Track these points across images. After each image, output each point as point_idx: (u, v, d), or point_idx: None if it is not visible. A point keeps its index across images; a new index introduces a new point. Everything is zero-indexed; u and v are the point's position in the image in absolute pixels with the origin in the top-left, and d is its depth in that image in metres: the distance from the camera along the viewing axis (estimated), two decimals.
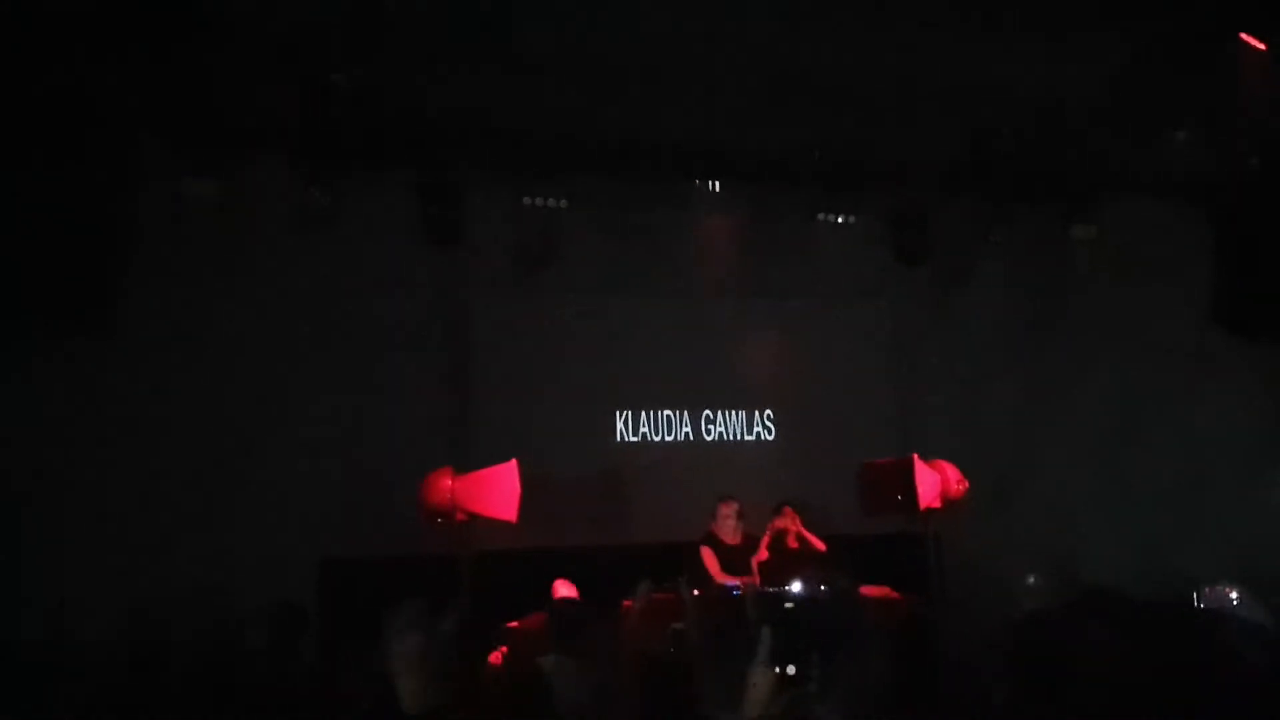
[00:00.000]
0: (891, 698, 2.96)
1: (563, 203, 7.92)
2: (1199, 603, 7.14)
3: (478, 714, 3.35)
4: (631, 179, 8.16)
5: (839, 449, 8.26)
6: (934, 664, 4.01)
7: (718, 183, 8.34)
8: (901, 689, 3.00)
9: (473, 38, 6.25)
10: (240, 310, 7.54)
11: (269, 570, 7.07)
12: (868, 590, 6.77)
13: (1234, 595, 7.27)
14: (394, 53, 6.45)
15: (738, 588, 6.63)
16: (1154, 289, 9.34)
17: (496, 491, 6.72)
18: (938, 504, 7.32)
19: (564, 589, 6.20)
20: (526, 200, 7.89)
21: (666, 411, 8.51)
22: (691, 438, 8.55)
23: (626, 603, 5.91)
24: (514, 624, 6.19)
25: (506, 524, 6.73)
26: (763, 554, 7.12)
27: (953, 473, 7.40)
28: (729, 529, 7.12)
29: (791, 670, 2.42)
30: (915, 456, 7.23)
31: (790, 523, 7.25)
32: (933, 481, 7.26)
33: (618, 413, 8.40)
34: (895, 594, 7.00)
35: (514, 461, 6.80)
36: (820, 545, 7.22)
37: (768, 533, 7.20)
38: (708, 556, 7.01)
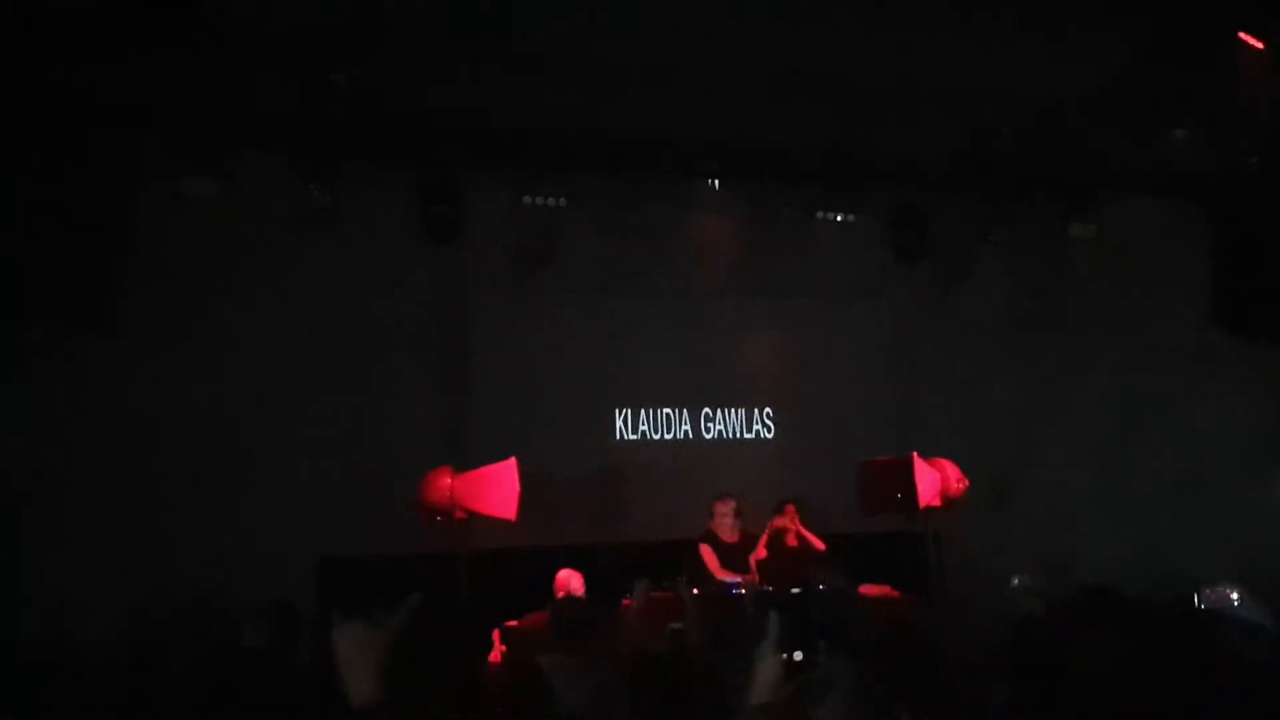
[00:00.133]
0: (890, 697, 2.96)
1: (562, 201, 7.92)
2: (1200, 603, 7.15)
3: (478, 714, 3.36)
4: (631, 178, 8.16)
5: (838, 448, 8.25)
6: (933, 663, 4.01)
7: (717, 182, 8.34)
8: (901, 688, 3.00)
9: (473, 37, 6.25)
10: (240, 309, 7.54)
11: (269, 569, 7.06)
12: (867, 589, 6.78)
13: (1234, 596, 7.27)
14: (394, 52, 6.46)
15: (738, 587, 6.63)
16: (1154, 289, 9.35)
17: (496, 490, 6.71)
18: (938, 502, 7.31)
19: (570, 579, 6.22)
20: (526, 199, 7.89)
21: (666, 410, 8.51)
22: (691, 436, 8.55)
23: (625, 601, 5.92)
24: (514, 623, 6.19)
25: (506, 522, 6.72)
26: (761, 552, 7.11)
27: (952, 471, 7.39)
28: (726, 527, 7.13)
29: (798, 657, 2.43)
30: (915, 455, 7.23)
31: (790, 522, 7.24)
32: (932, 480, 7.26)
33: (617, 411, 8.40)
34: (895, 593, 7.00)
35: (513, 460, 6.79)
36: (819, 545, 7.21)
37: (767, 531, 7.20)
38: (707, 554, 7.02)
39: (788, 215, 8.53)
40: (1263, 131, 7.60)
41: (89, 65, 6.34)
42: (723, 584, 6.72)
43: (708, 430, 8.60)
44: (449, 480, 6.70)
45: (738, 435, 8.68)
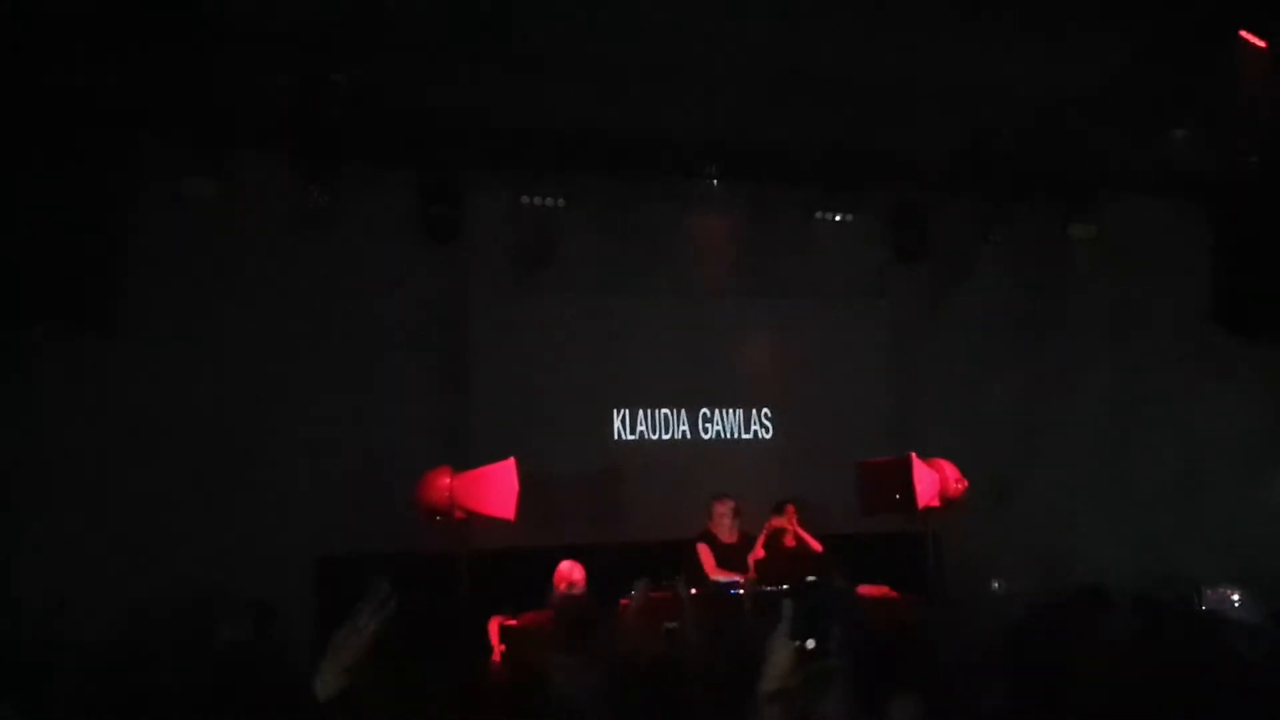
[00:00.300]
0: (886, 695, 2.96)
1: (561, 202, 7.92)
2: (1200, 604, 7.15)
3: (477, 714, 3.35)
4: (631, 178, 8.16)
5: (837, 448, 8.25)
6: (932, 663, 4.01)
7: (717, 181, 8.33)
8: (898, 687, 3.01)
9: (473, 37, 6.25)
10: (240, 309, 7.54)
11: (269, 569, 7.07)
12: (866, 589, 6.78)
13: (1235, 597, 7.28)
14: (394, 52, 6.45)
15: (737, 587, 6.63)
16: (1154, 289, 9.35)
17: (495, 490, 6.71)
18: (936, 503, 7.32)
19: (571, 570, 6.23)
20: (525, 199, 7.89)
21: (664, 410, 8.51)
22: (689, 436, 8.55)
23: (624, 601, 5.92)
24: (513, 622, 6.19)
25: (504, 522, 6.72)
26: (759, 552, 7.11)
27: (951, 471, 7.39)
28: (725, 527, 7.12)
29: (811, 644, 2.44)
30: (913, 455, 7.23)
31: (789, 522, 7.24)
32: (931, 480, 7.26)
33: (616, 411, 8.40)
34: (894, 593, 7.00)
35: (512, 460, 6.80)
36: (817, 546, 7.21)
37: (765, 531, 7.19)
38: (703, 553, 7.02)
39: (787, 215, 8.53)
40: (1263, 131, 7.59)
41: (89, 65, 6.34)
42: (718, 584, 6.72)
43: (706, 430, 8.60)
44: (448, 480, 6.70)
45: (736, 435, 8.68)
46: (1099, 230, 8.75)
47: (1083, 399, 9.17)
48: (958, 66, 6.76)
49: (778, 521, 7.25)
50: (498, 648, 6.08)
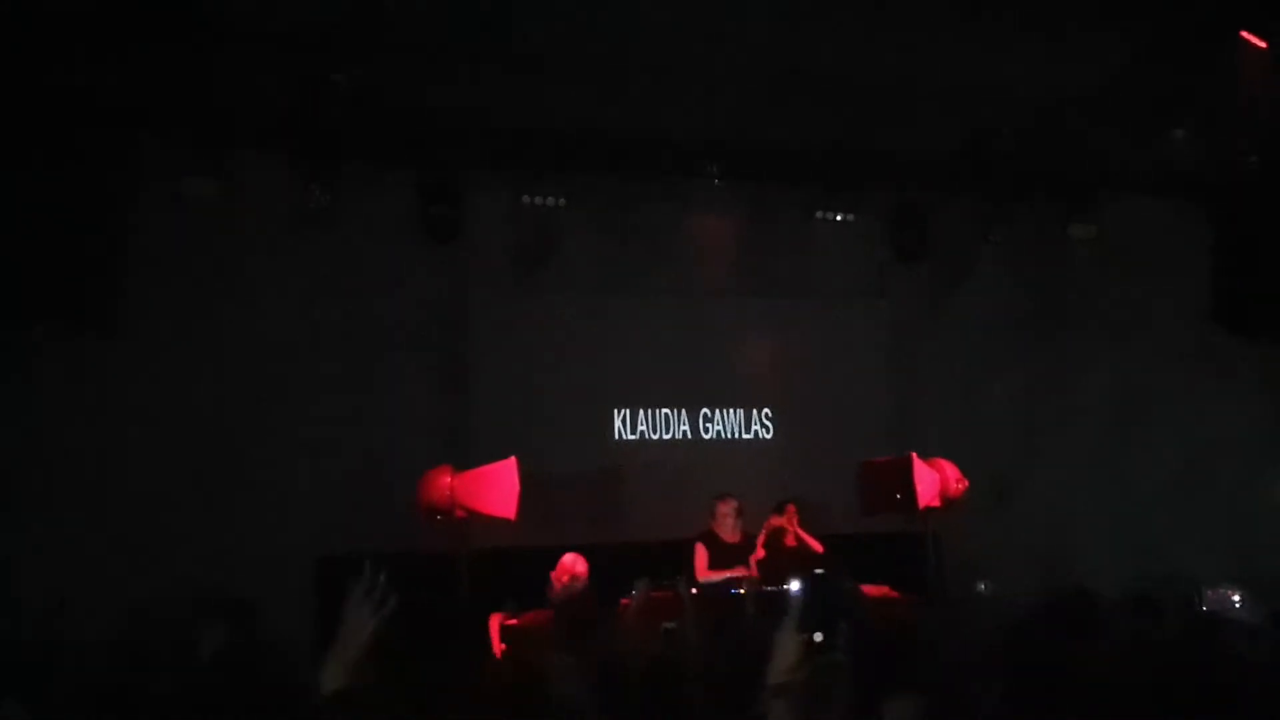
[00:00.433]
0: (890, 696, 2.96)
1: (562, 201, 7.92)
2: (1201, 604, 7.15)
3: (478, 712, 3.35)
4: (630, 178, 8.16)
5: (838, 448, 8.25)
6: (932, 663, 4.01)
7: (717, 181, 8.33)
8: (900, 688, 3.01)
9: (473, 37, 6.25)
10: (240, 309, 7.54)
11: (269, 569, 7.07)
12: (866, 589, 6.77)
13: (1235, 597, 7.28)
14: (394, 52, 6.45)
15: (737, 586, 6.62)
16: (1154, 289, 9.35)
17: (495, 489, 6.71)
18: (937, 503, 7.31)
19: (575, 563, 6.24)
20: (526, 199, 7.89)
21: (665, 410, 8.51)
22: (690, 436, 8.54)
23: (624, 601, 5.91)
24: (513, 622, 6.19)
25: (505, 522, 6.72)
26: (759, 552, 7.11)
27: (952, 471, 7.38)
28: (728, 527, 7.11)
29: (819, 637, 2.44)
30: (914, 455, 7.22)
31: (789, 521, 7.24)
32: (932, 480, 7.25)
33: (616, 411, 8.40)
34: (894, 593, 7.00)
35: (513, 459, 6.80)
36: (818, 547, 7.21)
37: (764, 530, 7.19)
38: (698, 553, 7.01)
39: (787, 215, 8.53)
40: (1263, 131, 7.60)
41: (89, 65, 6.34)
42: (708, 584, 6.70)
43: (707, 430, 8.60)
44: (449, 479, 6.70)
45: (737, 435, 8.68)
46: (1099, 230, 8.75)
47: (1083, 399, 9.17)
48: (958, 66, 6.76)
49: (777, 521, 7.24)
50: (498, 647, 6.08)
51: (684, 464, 8.32)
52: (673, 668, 3.62)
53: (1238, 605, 7.36)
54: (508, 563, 6.93)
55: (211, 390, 7.36)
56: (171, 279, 7.38)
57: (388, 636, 2.23)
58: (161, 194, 7.21)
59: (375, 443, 7.61)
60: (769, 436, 8.73)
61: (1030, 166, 8.28)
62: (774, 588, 6.42)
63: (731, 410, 8.66)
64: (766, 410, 8.73)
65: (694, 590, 6.36)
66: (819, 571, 6.34)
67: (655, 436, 8.46)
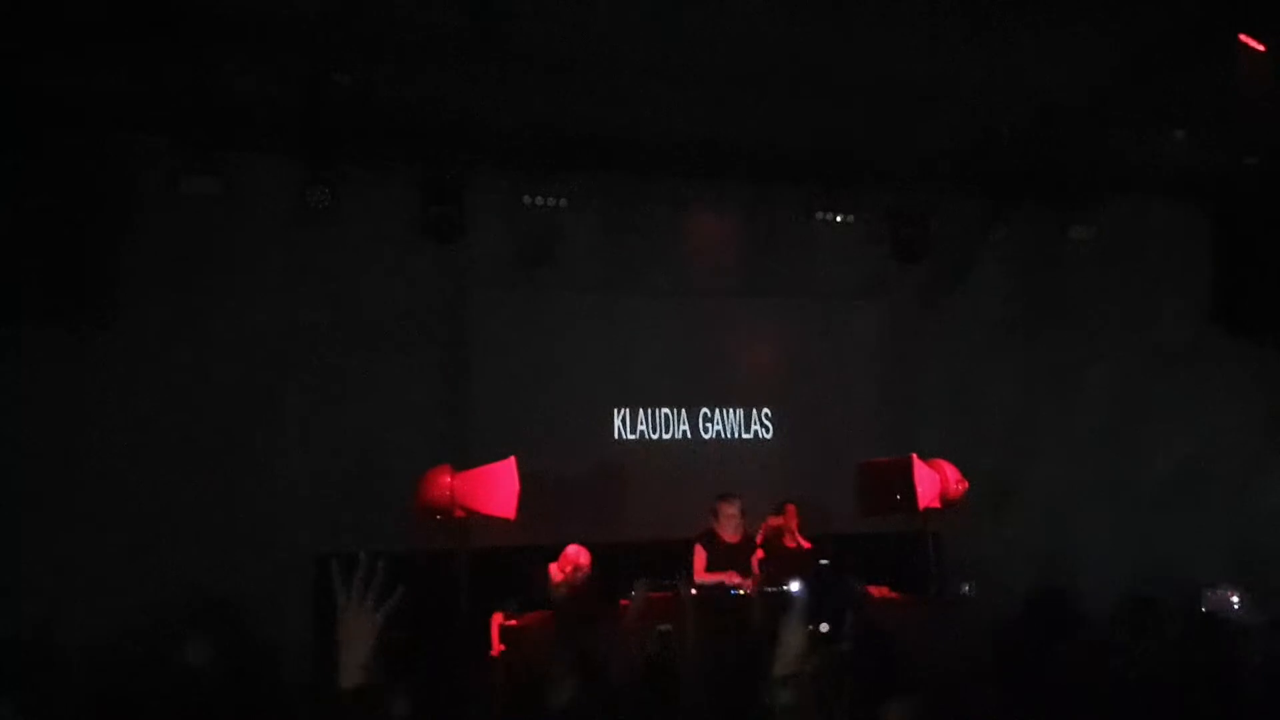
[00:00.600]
0: (889, 696, 2.97)
1: (562, 201, 7.92)
2: (1201, 605, 7.14)
3: (477, 712, 3.36)
4: (631, 178, 8.16)
5: (838, 448, 8.25)
6: (931, 663, 4.01)
7: (717, 181, 8.33)
8: (899, 688, 3.01)
9: (473, 37, 6.24)
10: (241, 308, 7.54)
11: (268, 569, 7.08)
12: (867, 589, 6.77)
13: (1235, 599, 7.27)
14: (394, 52, 6.45)
15: (738, 588, 6.62)
16: (1153, 289, 9.35)
17: (495, 489, 6.71)
18: (937, 504, 7.29)
19: (579, 554, 6.27)
20: (526, 199, 7.89)
21: (664, 410, 8.51)
22: (689, 436, 8.55)
23: (624, 602, 5.91)
24: (513, 622, 6.19)
25: (504, 521, 6.72)
26: (760, 552, 7.10)
27: (952, 472, 7.37)
28: (731, 527, 7.08)
29: (825, 628, 2.43)
30: (914, 456, 7.21)
31: (789, 521, 7.24)
32: (932, 481, 7.24)
33: (616, 411, 8.40)
34: (894, 593, 7.00)
35: (513, 459, 6.80)
36: (806, 544, 7.21)
37: (762, 530, 7.18)
38: (697, 554, 7.00)
39: (788, 215, 8.53)
40: (1263, 131, 7.60)
41: (90, 65, 6.34)
42: (704, 586, 6.69)
43: (706, 430, 8.60)
44: (449, 479, 6.70)
45: (736, 435, 8.68)
46: (1099, 231, 8.76)
47: (1083, 399, 9.16)
48: (958, 67, 6.76)
49: (775, 521, 7.24)
50: (498, 647, 6.08)
51: (684, 464, 8.33)
52: (669, 669, 3.63)
53: (1236, 607, 7.36)
54: (507, 562, 6.93)
55: (211, 390, 7.36)
56: (171, 279, 7.39)
57: (389, 636, 2.24)
58: (162, 192, 7.21)
59: (375, 442, 7.61)
60: (769, 436, 8.73)
61: (1030, 167, 8.28)
62: (774, 588, 6.42)
63: (731, 410, 8.66)
64: (766, 410, 8.73)
65: (693, 591, 6.37)
66: (824, 562, 6.35)
67: (655, 436, 8.46)
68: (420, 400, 7.85)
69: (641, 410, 8.45)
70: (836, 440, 8.43)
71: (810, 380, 8.77)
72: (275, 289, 7.65)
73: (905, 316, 9.07)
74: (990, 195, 8.68)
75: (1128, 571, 8.24)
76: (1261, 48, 5.97)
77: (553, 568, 6.40)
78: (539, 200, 7.89)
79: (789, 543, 7.20)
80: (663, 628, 5.04)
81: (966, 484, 7.36)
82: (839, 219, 8.48)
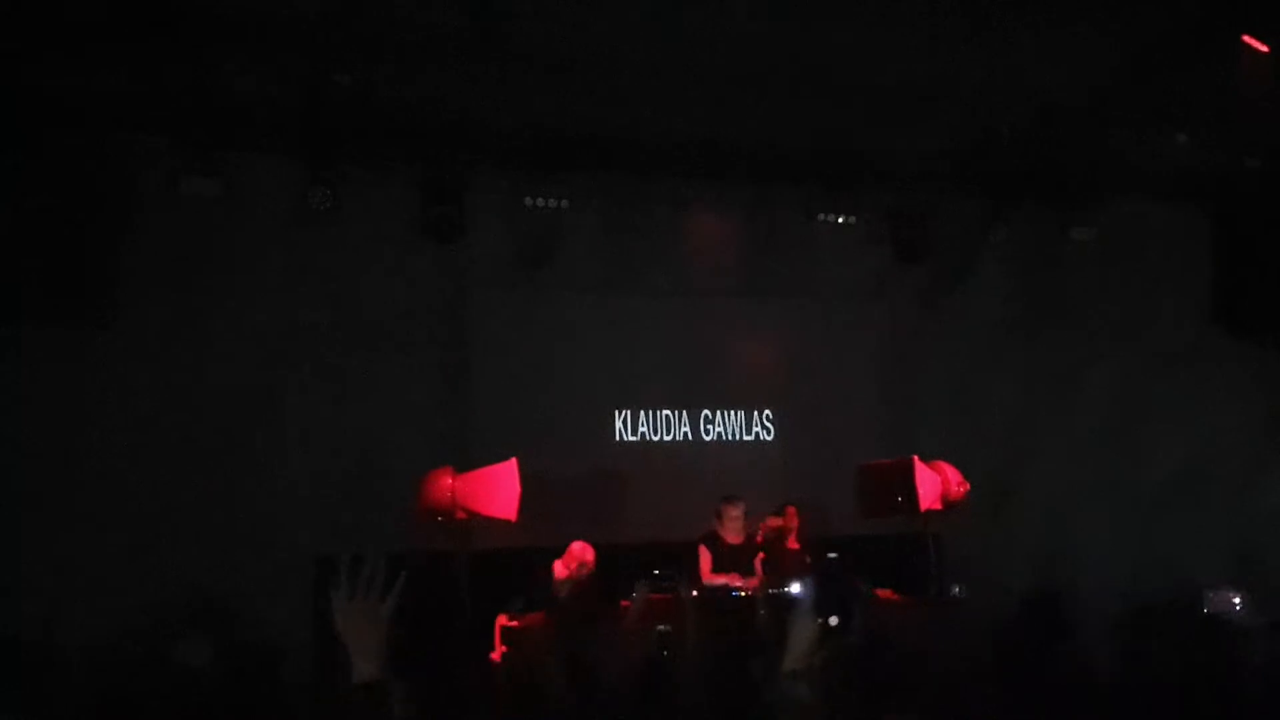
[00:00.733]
0: (891, 697, 2.96)
1: (563, 202, 7.91)
2: (1203, 607, 7.14)
3: (478, 712, 3.36)
4: (631, 178, 8.16)
5: (839, 450, 8.24)
6: (933, 664, 4.01)
7: (717, 182, 8.32)
8: (901, 688, 3.00)
9: (474, 37, 6.24)
10: (241, 308, 7.54)
11: (268, 569, 7.08)
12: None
13: (1236, 600, 7.27)
14: (394, 52, 6.45)
15: (738, 589, 6.62)
16: (1154, 290, 9.34)
17: (497, 490, 6.71)
18: (938, 506, 7.28)
19: (584, 551, 6.29)
20: (528, 200, 7.88)
21: (665, 411, 8.50)
22: (690, 438, 8.54)
23: (625, 603, 5.91)
24: (514, 623, 6.19)
25: (505, 523, 6.72)
26: (761, 554, 7.10)
27: (953, 474, 7.36)
28: (735, 529, 7.08)
29: (834, 621, 2.43)
30: (915, 458, 7.20)
31: (789, 522, 7.24)
32: (933, 483, 7.23)
33: (617, 412, 8.40)
34: (895, 595, 7.00)
35: (514, 460, 6.79)
36: (795, 546, 7.23)
37: (760, 531, 7.17)
38: (702, 555, 7.00)
39: (788, 216, 8.52)
40: (1263, 132, 7.59)
41: (90, 65, 6.33)
42: (711, 587, 6.70)
43: (707, 432, 8.60)
44: (450, 480, 6.70)
45: (737, 437, 8.67)
46: (1099, 232, 8.75)
47: (1083, 400, 9.15)
48: (958, 67, 6.75)
49: (774, 522, 7.24)
50: (500, 648, 6.09)
51: (685, 465, 8.32)
52: (667, 669, 3.62)
53: (1238, 608, 7.35)
54: (508, 563, 6.93)
55: (212, 390, 7.36)
56: (171, 279, 7.38)
57: (393, 634, 2.24)
58: (163, 192, 7.21)
59: (376, 443, 7.60)
60: (769, 438, 8.72)
61: (1030, 167, 8.27)
62: (776, 589, 6.42)
63: (732, 412, 8.65)
64: (767, 412, 8.73)
65: (694, 593, 6.37)
66: (833, 555, 6.35)
67: (656, 438, 8.46)
68: (420, 401, 7.85)
69: (643, 411, 8.44)
70: (837, 441, 8.42)
71: (810, 381, 8.76)
72: (275, 289, 7.64)
73: (906, 317, 9.06)
74: (990, 196, 8.68)
75: (1128, 572, 8.25)
76: (1265, 49, 5.97)
77: (557, 564, 6.42)
78: (540, 201, 7.88)
79: (791, 544, 7.20)
80: (662, 628, 5.04)
81: (968, 486, 7.35)
82: (840, 220, 8.47)
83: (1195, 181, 8.97)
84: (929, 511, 7.26)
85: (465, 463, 6.89)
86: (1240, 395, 9.46)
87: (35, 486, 6.79)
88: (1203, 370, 9.31)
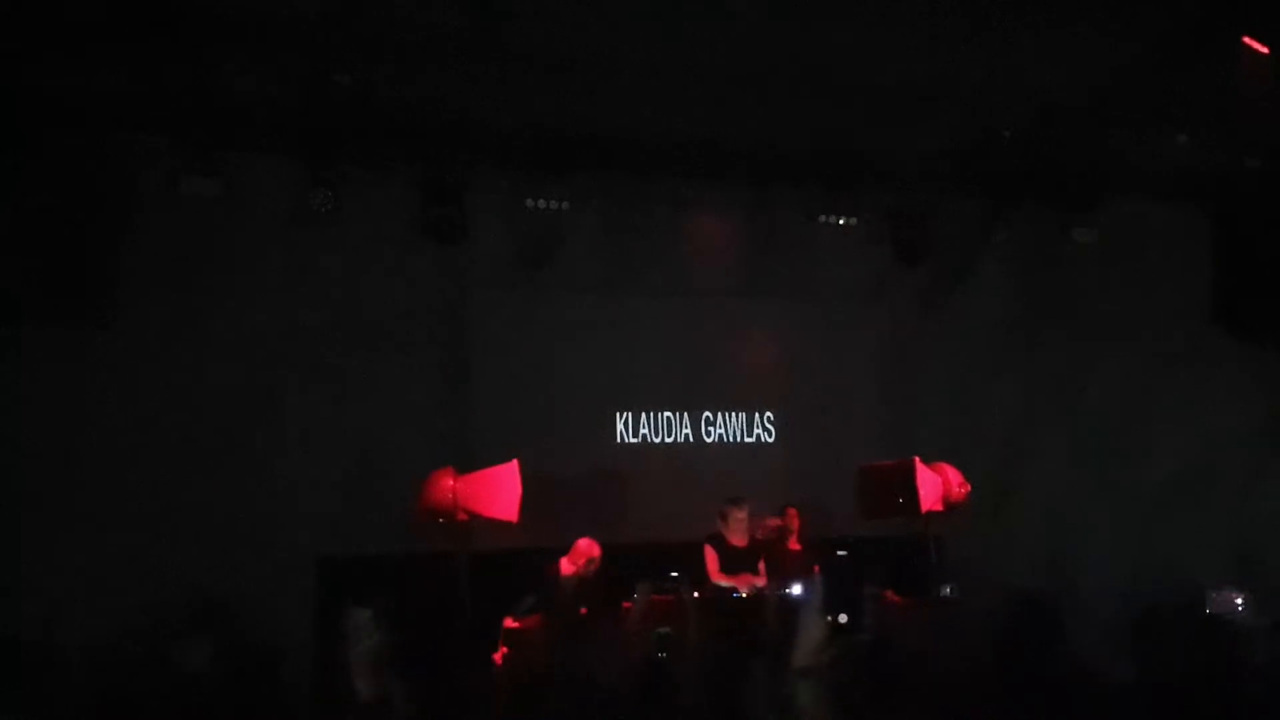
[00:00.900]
0: (894, 696, 2.96)
1: (564, 203, 7.91)
2: (1205, 607, 7.13)
3: (478, 712, 3.35)
4: (632, 179, 8.16)
5: (840, 451, 8.23)
6: (933, 664, 4.01)
7: (717, 182, 8.32)
8: (902, 689, 3.01)
9: (474, 38, 6.24)
10: (241, 308, 7.53)
11: (268, 569, 7.07)
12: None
13: (1238, 600, 7.26)
14: (394, 52, 6.45)
15: (739, 590, 6.61)
16: (1154, 291, 9.34)
17: (498, 491, 6.70)
18: (939, 507, 7.27)
19: (590, 547, 6.31)
20: (529, 201, 7.88)
21: (666, 413, 8.50)
22: (691, 439, 8.53)
23: (626, 605, 5.91)
24: (514, 624, 6.19)
25: (506, 523, 6.71)
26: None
27: (954, 475, 7.35)
28: (739, 531, 7.05)
29: (844, 619, 2.43)
30: (917, 459, 7.19)
31: (790, 523, 7.23)
32: (934, 484, 7.22)
33: (618, 414, 8.39)
34: (896, 596, 6.98)
35: (515, 462, 6.78)
36: (796, 547, 7.22)
37: (760, 531, 7.15)
38: (709, 556, 6.98)
39: (788, 217, 8.52)
40: (1263, 132, 7.59)
41: (90, 65, 6.33)
42: (718, 588, 6.69)
43: (709, 433, 8.59)
44: (451, 481, 6.69)
45: (738, 439, 8.67)
46: (1100, 233, 8.75)
47: (1084, 401, 9.15)
48: (958, 68, 6.76)
49: (774, 523, 7.23)
50: (501, 649, 6.08)
51: (686, 467, 8.31)
52: (667, 670, 3.62)
53: (1240, 608, 7.35)
54: (509, 564, 6.92)
55: (212, 390, 7.36)
56: (171, 279, 7.38)
57: (393, 640, 2.24)
58: (163, 192, 7.20)
59: (376, 443, 7.60)
60: (770, 440, 8.71)
61: (1030, 168, 8.27)
62: (778, 591, 6.41)
63: (733, 413, 8.65)
64: (768, 413, 8.72)
65: (695, 594, 6.37)
66: (842, 553, 6.35)
67: (657, 439, 8.45)
68: (421, 401, 7.84)
69: (644, 413, 8.44)
70: (838, 442, 8.42)
71: (811, 382, 8.75)
72: (275, 289, 7.64)
73: (906, 318, 9.06)
74: (991, 196, 8.68)
75: (1128, 573, 8.24)
76: (1265, 49, 5.97)
77: (564, 561, 6.44)
78: (540, 201, 7.88)
79: (792, 545, 7.19)
80: (663, 630, 5.04)
81: (969, 487, 7.35)
82: (840, 221, 8.47)
83: (1195, 181, 8.97)
84: (930, 513, 7.26)
85: (466, 463, 6.88)
86: (1240, 395, 9.45)
87: (35, 486, 6.79)
88: (1203, 370, 9.31)
